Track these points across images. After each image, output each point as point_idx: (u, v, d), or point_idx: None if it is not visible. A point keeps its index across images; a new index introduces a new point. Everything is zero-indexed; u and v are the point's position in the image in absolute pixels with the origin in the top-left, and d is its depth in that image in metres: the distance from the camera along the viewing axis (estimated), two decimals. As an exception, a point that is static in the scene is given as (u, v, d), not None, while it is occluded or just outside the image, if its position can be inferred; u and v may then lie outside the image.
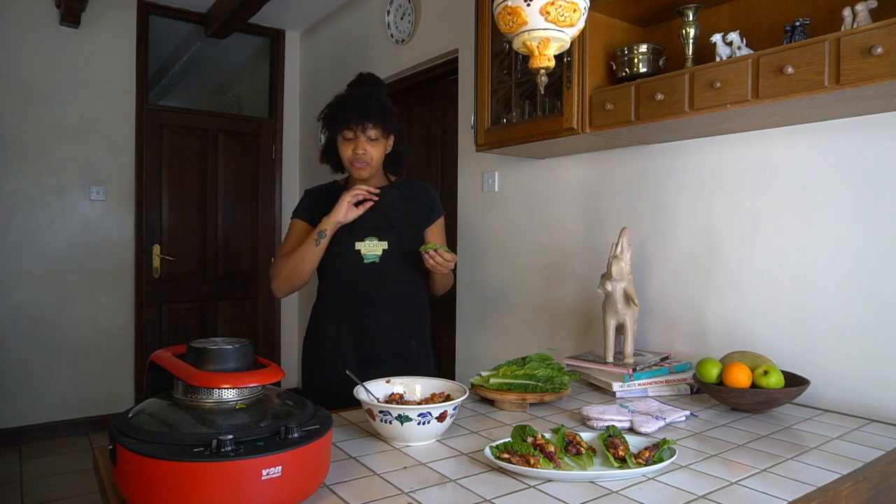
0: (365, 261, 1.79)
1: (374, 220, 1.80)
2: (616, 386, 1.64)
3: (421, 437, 1.20)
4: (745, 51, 1.57)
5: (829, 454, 1.19)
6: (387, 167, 1.91)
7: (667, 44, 1.87)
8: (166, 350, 1.04)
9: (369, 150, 1.77)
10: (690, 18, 1.71)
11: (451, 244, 2.41)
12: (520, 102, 2.14)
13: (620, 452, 1.08)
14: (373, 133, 1.77)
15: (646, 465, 1.05)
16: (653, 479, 1.04)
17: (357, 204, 1.75)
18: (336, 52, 4.24)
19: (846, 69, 1.29)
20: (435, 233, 1.91)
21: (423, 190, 1.93)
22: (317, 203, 1.85)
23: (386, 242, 1.79)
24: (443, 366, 3.15)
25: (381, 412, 1.18)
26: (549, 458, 1.06)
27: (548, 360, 1.59)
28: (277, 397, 1.01)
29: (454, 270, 1.92)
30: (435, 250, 1.69)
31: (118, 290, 4.12)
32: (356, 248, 1.78)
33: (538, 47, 1.20)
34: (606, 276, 1.77)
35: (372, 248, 1.79)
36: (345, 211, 1.72)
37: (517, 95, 2.13)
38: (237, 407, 0.93)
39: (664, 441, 1.12)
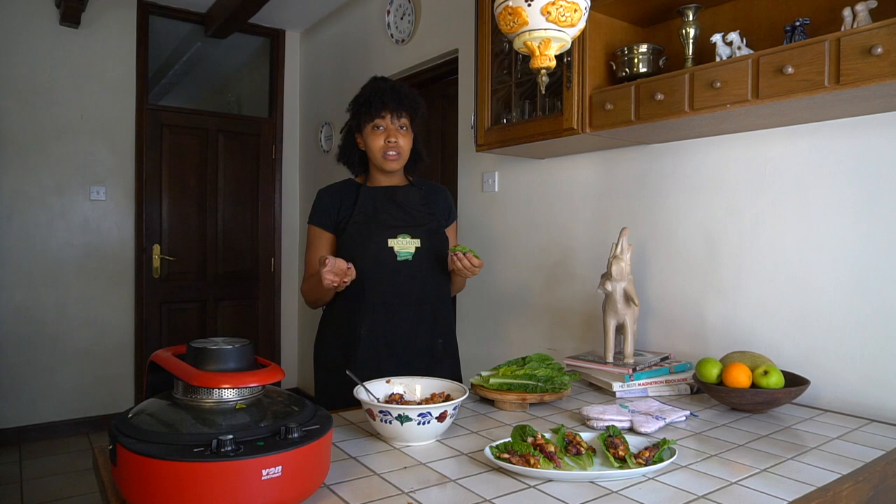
0: (398, 258, 1.76)
1: (402, 219, 1.79)
2: (616, 386, 1.64)
3: (421, 437, 1.20)
4: (745, 51, 1.57)
5: (829, 454, 1.19)
6: (406, 165, 1.88)
7: (667, 44, 1.87)
8: (166, 350, 1.04)
9: (400, 140, 1.77)
10: (690, 18, 1.71)
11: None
12: (520, 102, 2.14)
13: (620, 452, 1.08)
14: (405, 122, 1.78)
15: (646, 465, 1.05)
16: (653, 479, 1.04)
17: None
18: (336, 52, 4.24)
19: (846, 69, 1.29)
20: (449, 236, 1.91)
21: (441, 191, 1.93)
22: (332, 204, 1.82)
23: (418, 240, 1.78)
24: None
25: (381, 412, 1.18)
26: (549, 458, 1.06)
27: (548, 360, 1.59)
28: (277, 397, 1.01)
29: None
30: (464, 253, 1.66)
31: (118, 290, 4.13)
32: (389, 245, 1.76)
33: (539, 47, 1.20)
34: (606, 276, 1.77)
35: (405, 246, 1.76)
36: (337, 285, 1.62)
37: (517, 95, 2.13)
38: (237, 407, 0.93)
39: (664, 441, 1.12)
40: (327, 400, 1.78)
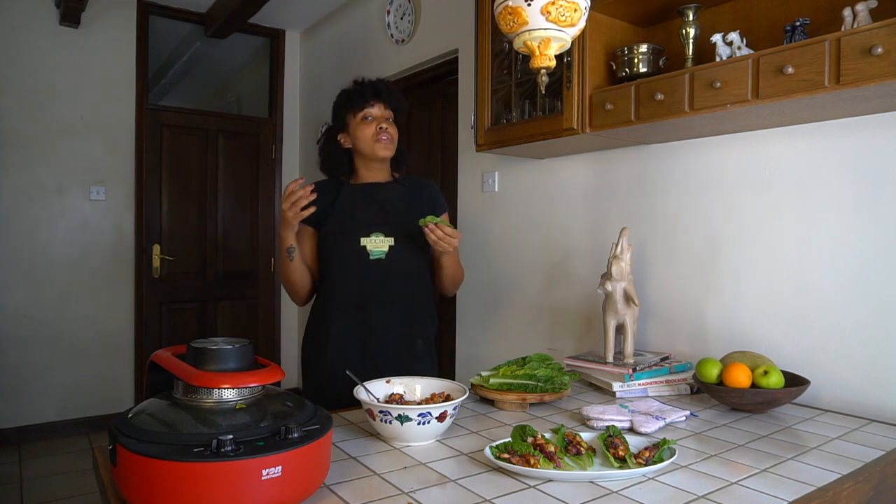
0: (371, 257, 1.76)
1: (378, 217, 1.79)
2: (616, 386, 1.64)
3: (421, 437, 1.20)
4: (745, 51, 1.57)
5: (829, 454, 1.19)
6: (391, 161, 1.89)
7: (667, 44, 1.87)
8: (166, 350, 1.04)
9: (390, 128, 1.79)
10: (690, 18, 1.71)
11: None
12: (520, 102, 2.14)
13: (620, 452, 1.08)
14: (391, 115, 1.81)
15: (646, 465, 1.05)
16: (653, 479, 1.04)
17: (304, 208, 1.64)
18: (336, 52, 4.24)
19: (846, 69, 1.29)
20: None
21: (425, 187, 1.91)
22: (317, 200, 1.81)
23: (392, 238, 1.77)
24: (443, 366, 3.15)
25: (381, 412, 1.18)
26: (549, 458, 1.06)
27: (548, 360, 1.59)
28: (277, 397, 1.01)
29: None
30: (435, 224, 1.60)
31: (118, 290, 4.12)
32: (362, 244, 1.75)
33: (539, 47, 1.20)
34: (606, 276, 1.77)
35: (378, 245, 1.76)
36: (293, 216, 1.62)
37: (517, 95, 2.13)
38: (237, 407, 0.93)
39: (664, 441, 1.12)
40: (312, 399, 1.79)
